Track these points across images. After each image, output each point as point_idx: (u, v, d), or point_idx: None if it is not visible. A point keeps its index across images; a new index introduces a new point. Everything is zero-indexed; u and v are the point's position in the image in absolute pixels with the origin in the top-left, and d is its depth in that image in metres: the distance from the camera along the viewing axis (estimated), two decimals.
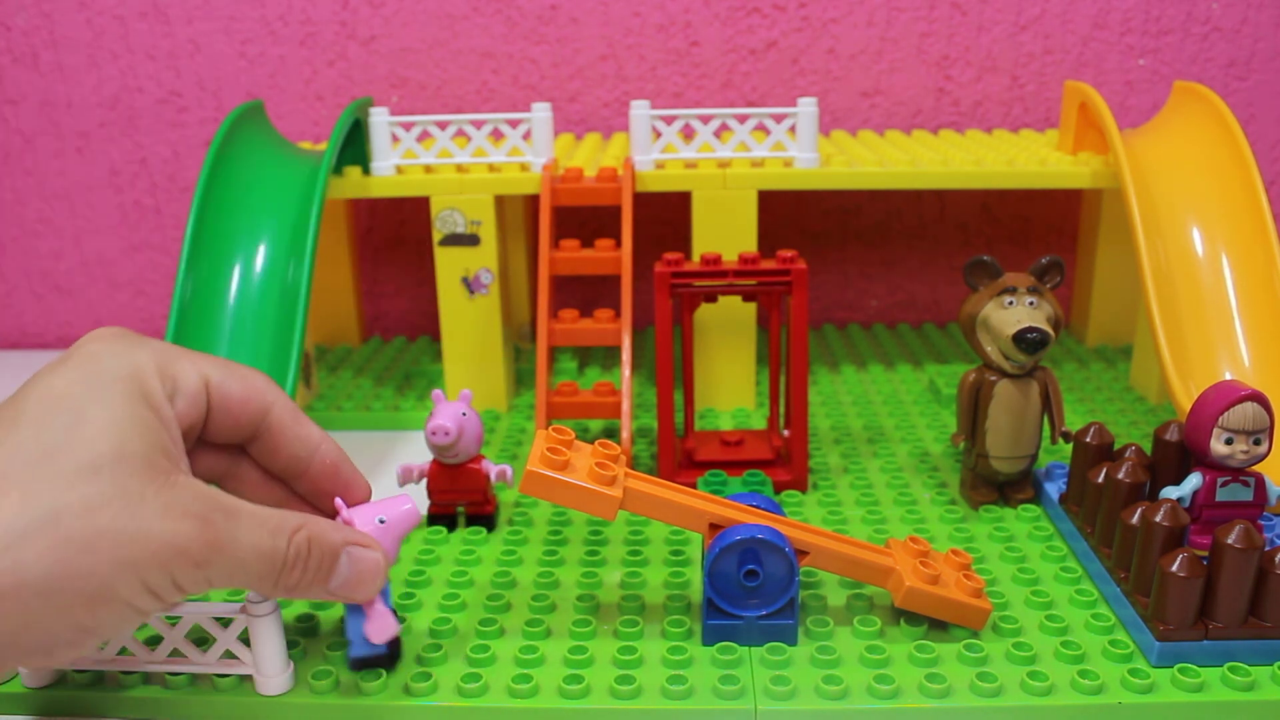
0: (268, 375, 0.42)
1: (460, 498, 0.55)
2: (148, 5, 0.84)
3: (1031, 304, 0.54)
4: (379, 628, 0.41)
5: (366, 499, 0.44)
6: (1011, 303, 0.54)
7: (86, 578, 0.32)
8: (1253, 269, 0.63)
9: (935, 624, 0.46)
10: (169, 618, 0.42)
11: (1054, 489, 0.57)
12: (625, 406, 0.62)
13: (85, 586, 0.32)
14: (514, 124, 0.71)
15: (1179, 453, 0.52)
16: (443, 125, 0.71)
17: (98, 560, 0.32)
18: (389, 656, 0.44)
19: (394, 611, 0.42)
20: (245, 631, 0.42)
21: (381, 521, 0.41)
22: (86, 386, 0.35)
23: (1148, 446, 0.54)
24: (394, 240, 0.92)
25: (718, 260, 0.59)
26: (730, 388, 0.73)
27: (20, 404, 0.35)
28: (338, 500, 0.42)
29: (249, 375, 0.41)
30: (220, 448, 0.41)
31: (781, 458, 0.62)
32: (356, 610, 0.42)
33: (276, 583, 0.37)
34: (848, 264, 0.93)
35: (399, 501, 0.42)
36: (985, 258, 0.55)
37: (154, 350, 0.38)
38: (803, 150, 0.69)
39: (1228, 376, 0.61)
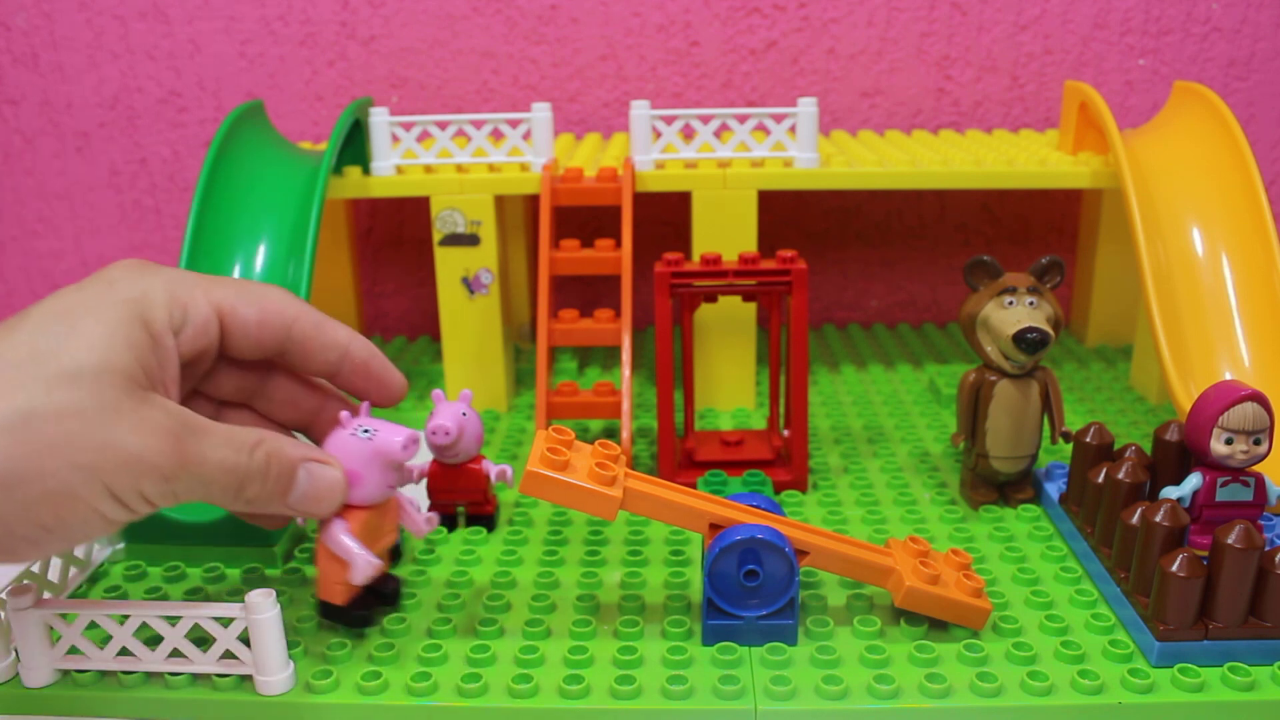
0: (285, 290, 0.43)
1: (460, 498, 0.55)
2: (148, 5, 0.84)
3: (1031, 304, 0.54)
4: (358, 569, 0.42)
5: (400, 394, 0.45)
6: (1011, 303, 0.54)
7: (48, 478, 0.33)
8: (1253, 269, 0.63)
9: (935, 624, 0.46)
10: (169, 618, 0.42)
11: (1054, 489, 0.57)
12: (625, 406, 0.62)
13: (46, 486, 0.33)
14: (514, 124, 0.71)
15: (1179, 453, 0.52)
16: (443, 125, 0.71)
17: (60, 463, 0.33)
18: (366, 610, 0.46)
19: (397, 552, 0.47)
20: (245, 631, 0.42)
21: (366, 433, 0.41)
22: (90, 304, 0.36)
23: (1148, 446, 0.54)
24: (394, 240, 0.92)
25: (718, 260, 0.59)
26: (730, 388, 0.73)
27: (28, 312, 0.36)
28: (343, 414, 0.43)
29: (266, 295, 0.42)
30: (248, 365, 0.43)
31: (781, 458, 0.62)
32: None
33: (238, 495, 0.38)
34: (848, 264, 0.93)
35: (396, 429, 0.42)
36: (985, 258, 0.55)
37: (168, 279, 0.39)
38: (803, 150, 0.69)
39: (1228, 376, 0.61)
